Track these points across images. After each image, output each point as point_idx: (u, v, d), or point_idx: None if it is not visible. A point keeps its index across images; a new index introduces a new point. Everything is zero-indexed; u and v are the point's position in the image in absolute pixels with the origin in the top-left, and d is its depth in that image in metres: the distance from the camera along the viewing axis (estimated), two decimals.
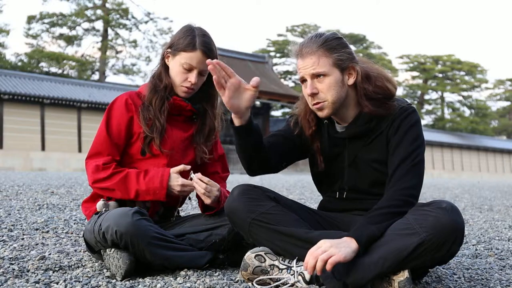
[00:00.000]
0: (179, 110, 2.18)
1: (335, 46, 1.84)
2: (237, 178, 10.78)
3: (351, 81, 1.86)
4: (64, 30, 32.73)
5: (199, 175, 2.04)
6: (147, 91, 2.15)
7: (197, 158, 2.21)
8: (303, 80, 1.86)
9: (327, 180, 2.03)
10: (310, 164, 2.07)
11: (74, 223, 3.15)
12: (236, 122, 1.83)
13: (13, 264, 2.05)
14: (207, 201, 2.03)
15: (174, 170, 2.05)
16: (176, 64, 2.12)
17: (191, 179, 2.04)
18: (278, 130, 2.04)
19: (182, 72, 2.11)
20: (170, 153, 2.12)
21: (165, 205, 2.21)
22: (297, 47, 1.87)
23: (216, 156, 2.29)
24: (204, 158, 2.21)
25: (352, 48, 1.93)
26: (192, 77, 2.10)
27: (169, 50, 2.15)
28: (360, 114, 1.89)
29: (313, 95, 1.84)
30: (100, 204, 2.06)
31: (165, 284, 1.80)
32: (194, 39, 2.10)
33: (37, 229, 2.87)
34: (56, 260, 2.14)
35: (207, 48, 2.10)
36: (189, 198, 2.27)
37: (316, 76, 1.83)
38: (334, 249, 1.61)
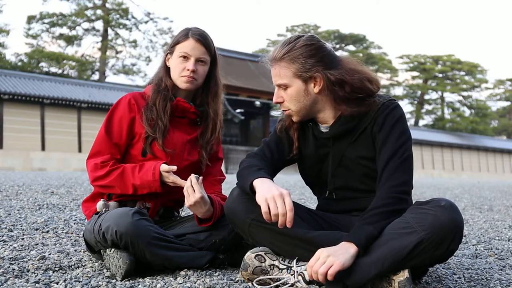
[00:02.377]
0: (182, 112, 2.19)
1: (297, 56, 1.84)
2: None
3: (316, 89, 1.86)
4: (64, 30, 32.77)
5: (194, 179, 1.97)
6: (151, 92, 2.18)
7: (200, 162, 2.21)
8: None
9: (319, 182, 2.03)
10: (300, 169, 2.07)
11: (74, 223, 3.15)
12: None
13: (13, 264, 2.05)
14: (189, 205, 1.97)
15: (162, 168, 2.03)
16: (174, 59, 2.16)
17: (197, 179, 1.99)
18: (267, 143, 2.01)
19: (180, 63, 2.13)
20: (171, 154, 2.12)
21: (165, 206, 2.21)
22: (268, 56, 1.92)
23: (216, 159, 2.30)
24: (205, 161, 2.21)
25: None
26: (190, 64, 2.12)
27: (168, 51, 2.19)
28: (341, 114, 1.89)
29: (279, 103, 1.91)
30: (100, 204, 2.06)
31: (165, 284, 1.80)
32: (187, 31, 2.16)
33: (37, 229, 2.87)
34: (56, 260, 2.14)
35: (200, 35, 2.15)
36: None
37: (279, 86, 1.88)
38: (332, 258, 1.62)
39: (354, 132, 1.89)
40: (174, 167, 2.02)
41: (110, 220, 1.89)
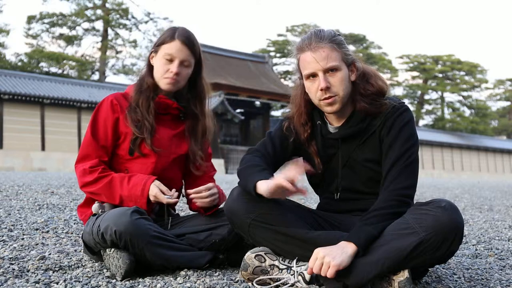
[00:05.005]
0: (165, 109, 2.19)
1: (341, 42, 1.86)
2: (237, 178, 10.76)
3: (353, 77, 1.87)
4: (64, 30, 32.80)
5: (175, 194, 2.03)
6: (133, 92, 2.17)
7: (192, 161, 2.22)
8: (312, 75, 1.83)
9: (323, 182, 2.03)
10: None
11: (74, 223, 3.15)
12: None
13: (13, 264, 2.04)
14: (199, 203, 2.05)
15: (157, 185, 2.02)
16: (158, 59, 2.14)
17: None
18: (272, 138, 2.00)
19: (164, 64, 2.12)
20: (159, 152, 2.13)
21: (160, 204, 2.22)
22: (305, 41, 1.84)
23: (206, 156, 2.31)
24: (200, 161, 2.23)
25: (352, 48, 1.94)
26: (174, 66, 2.11)
27: (152, 50, 2.18)
28: (353, 112, 1.89)
29: (327, 89, 1.81)
30: (95, 206, 2.05)
31: (165, 284, 1.80)
32: (174, 31, 2.15)
33: (37, 229, 2.87)
34: (56, 260, 2.14)
35: (186, 38, 2.13)
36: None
37: (328, 70, 1.81)
38: (328, 259, 1.62)
39: (363, 134, 1.89)
40: (176, 194, 2.03)
41: (109, 220, 1.89)
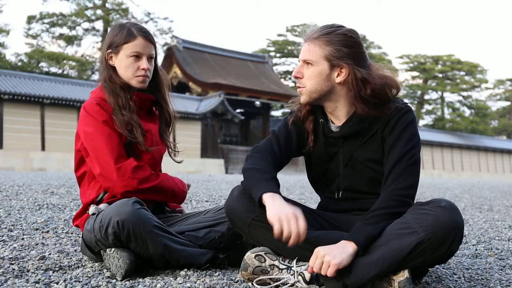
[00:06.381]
0: (140, 105, 2.19)
1: (335, 41, 1.83)
2: (237, 178, 10.77)
3: (339, 79, 1.85)
4: (64, 30, 32.84)
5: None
6: (109, 97, 2.12)
7: (168, 152, 2.32)
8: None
9: (324, 181, 2.02)
10: (307, 165, 2.07)
11: None
12: None
13: (13, 264, 2.04)
14: None
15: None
16: (123, 59, 2.13)
17: None
18: (277, 136, 1.98)
19: (132, 63, 2.12)
20: (153, 150, 2.16)
21: (154, 202, 2.23)
22: (306, 32, 1.91)
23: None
24: (173, 150, 2.31)
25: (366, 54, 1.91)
26: (143, 63, 2.12)
27: (109, 50, 2.15)
28: (354, 113, 1.89)
29: (296, 78, 1.91)
30: (92, 208, 2.05)
31: (165, 284, 1.80)
32: (131, 29, 2.14)
33: (37, 229, 2.87)
34: (56, 260, 2.14)
35: (145, 32, 2.16)
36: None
37: (306, 62, 1.87)
38: (328, 258, 1.62)
39: (364, 134, 1.89)
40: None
41: (111, 212, 1.89)
